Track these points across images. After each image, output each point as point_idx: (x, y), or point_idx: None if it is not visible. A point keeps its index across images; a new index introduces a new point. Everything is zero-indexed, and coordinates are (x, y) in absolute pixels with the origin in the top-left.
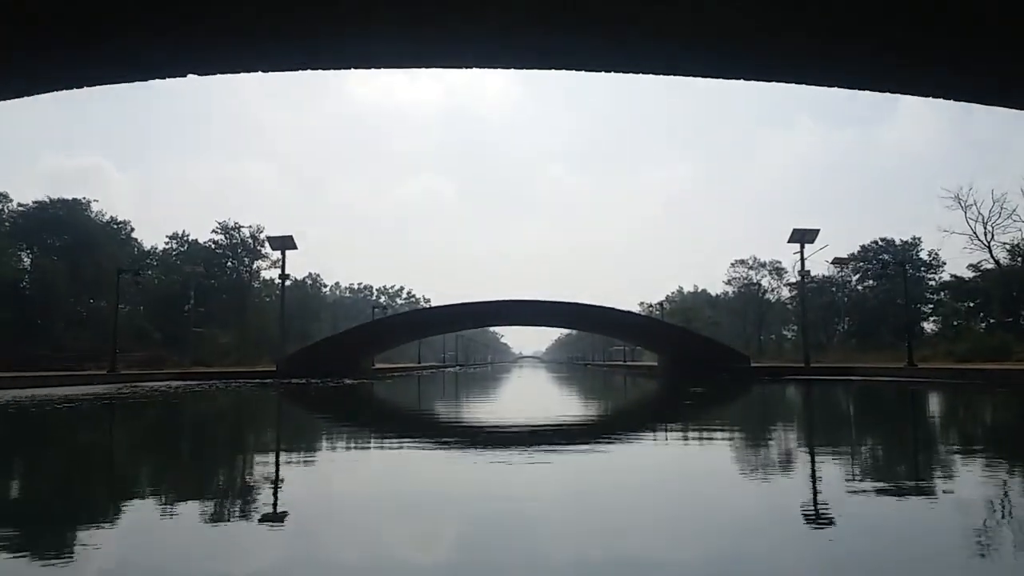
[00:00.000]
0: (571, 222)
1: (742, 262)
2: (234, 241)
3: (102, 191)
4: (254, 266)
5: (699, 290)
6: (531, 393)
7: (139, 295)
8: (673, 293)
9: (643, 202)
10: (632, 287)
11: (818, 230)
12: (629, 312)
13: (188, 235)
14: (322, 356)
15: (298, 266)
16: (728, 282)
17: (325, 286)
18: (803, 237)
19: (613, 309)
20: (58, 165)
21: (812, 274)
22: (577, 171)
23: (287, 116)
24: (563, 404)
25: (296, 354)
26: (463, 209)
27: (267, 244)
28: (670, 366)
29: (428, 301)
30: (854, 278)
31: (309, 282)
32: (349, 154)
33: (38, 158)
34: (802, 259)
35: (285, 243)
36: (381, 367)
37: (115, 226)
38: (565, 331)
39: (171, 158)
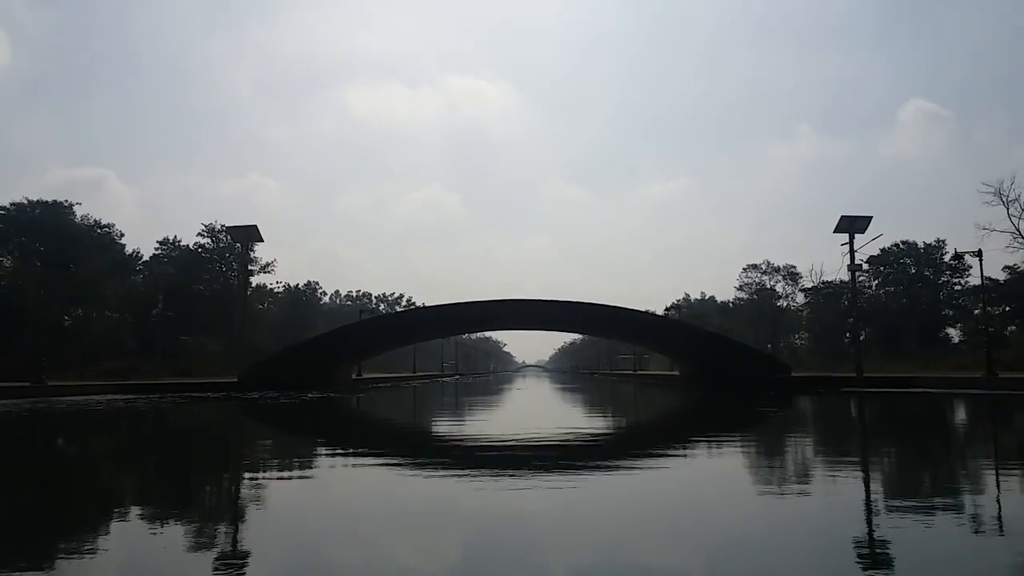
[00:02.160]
0: (572, 233)
1: (755, 267)
2: (221, 245)
3: (108, 203)
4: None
5: (707, 297)
6: (537, 412)
7: (120, 302)
8: (680, 300)
9: (643, 212)
10: (636, 296)
11: (870, 217)
12: (649, 313)
13: (179, 240)
14: (292, 365)
15: (297, 275)
16: (740, 287)
17: (325, 294)
18: (852, 225)
19: (630, 310)
20: (65, 177)
21: (828, 279)
22: (577, 182)
23: (288, 131)
24: (587, 436)
25: (261, 363)
26: (465, 221)
27: (228, 236)
28: (695, 376)
29: None
30: (874, 283)
31: (308, 291)
32: (351, 168)
33: (46, 170)
34: (851, 251)
35: (248, 234)
36: (367, 377)
37: (99, 230)
38: (570, 339)
39: (174, 171)
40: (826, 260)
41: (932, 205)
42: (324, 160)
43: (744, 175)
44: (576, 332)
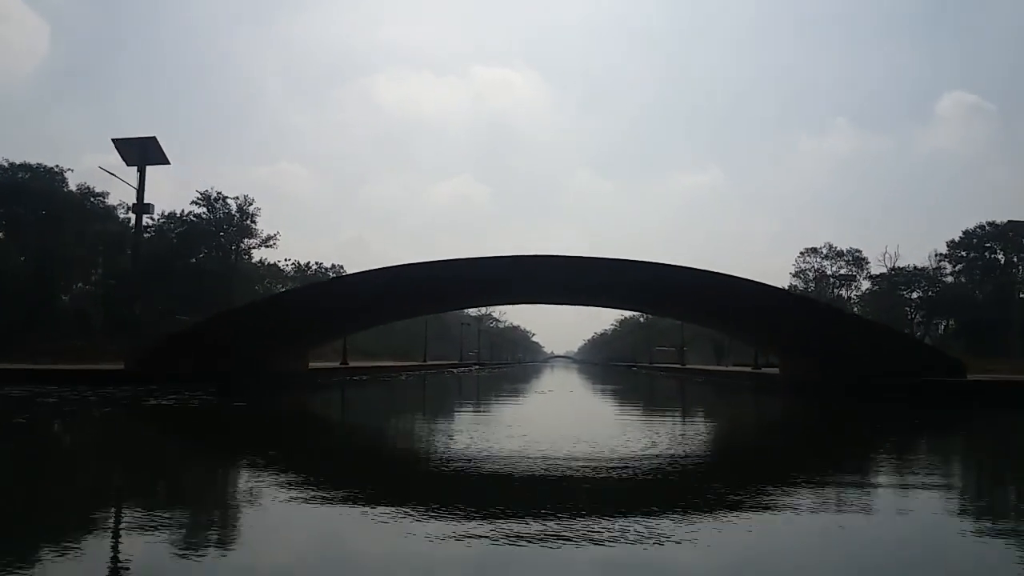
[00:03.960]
0: (599, 226)
1: (814, 251)
2: (218, 216)
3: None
4: (243, 244)
5: None
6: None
7: (107, 276)
8: None
9: (672, 205)
10: None
11: None
12: (748, 280)
13: (186, 213)
14: (211, 347)
15: (325, 262)
16: (795, 274)
17: None
18: None
19: (718, 274)
20: (100, 162)
21: (900, 264)
22: (605, 174)
23: (317, 121)
24: None
25: (162, 345)
26: (493, 212)
27: (117, 152)
28: (812, 377)
29: None
30: (957, 268)
31: (334, 273)
32: (379, 158)
33: (82, 155)
34: None
35: (145, 152)
36: (353, 366)
37: (93, 199)
38: (601, 328)
39: (207, 158)
40: (873, 252)
41: (974, 199)
42: (353, 150)
43: (778, 169)
44: (628, 307)
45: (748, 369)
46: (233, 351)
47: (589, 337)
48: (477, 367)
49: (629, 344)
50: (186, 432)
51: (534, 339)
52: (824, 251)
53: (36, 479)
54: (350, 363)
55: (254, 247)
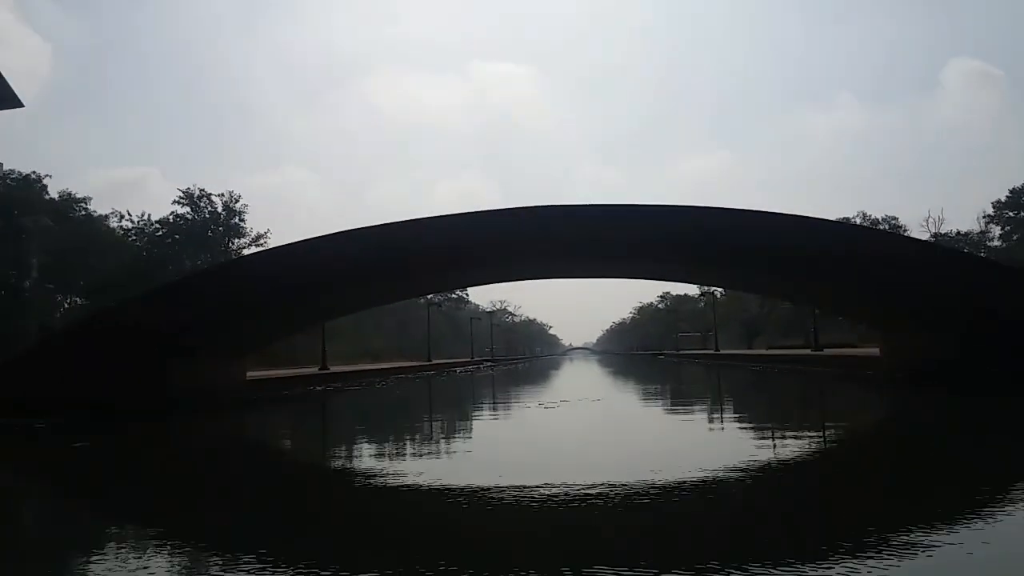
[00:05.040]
0: None
1: (846, 220)
2: (203, 215)
3: (154, 199)
4: (232, 245)
5: None
6: None
7: (88, 287)
8: None
9: (681, 190)
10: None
11: None
12: (852, 225)
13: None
14: (95, 360)
15: None
16: None
17: None
18: None
19: (799, 217)
20: (111, 175)
21: (943, 230)
22: (611, 163)
23: (319, 125)
24: None
25: (27, 357)
26: (500, 207)
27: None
28: (912, 355)
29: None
30: (1001, 231)
31: None
32: (384, 159)
33: (97, 170)
34: None
35: None
36: (329, 371)
37: (76, 206)
38: (619, 318)
39: (212, 167)
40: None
41: (989, 170)
42: (356, 151)
43: (787, 147)
44: (669, 276)
45: (806, 351)
46: (122, 363)
47: (607, 327)
48: (489, 363)
49: (650, 331)
50: None
51: (551, 332)
52: (857, 220)
53: None
54: (331, 368)
55: (244, 247)
